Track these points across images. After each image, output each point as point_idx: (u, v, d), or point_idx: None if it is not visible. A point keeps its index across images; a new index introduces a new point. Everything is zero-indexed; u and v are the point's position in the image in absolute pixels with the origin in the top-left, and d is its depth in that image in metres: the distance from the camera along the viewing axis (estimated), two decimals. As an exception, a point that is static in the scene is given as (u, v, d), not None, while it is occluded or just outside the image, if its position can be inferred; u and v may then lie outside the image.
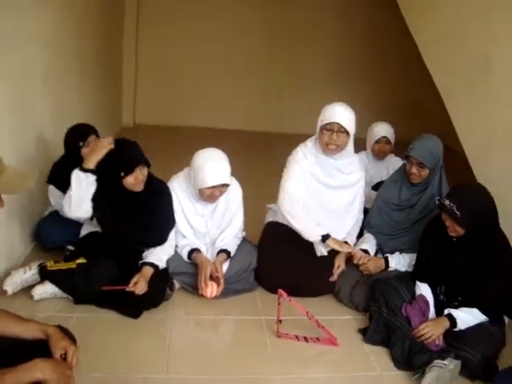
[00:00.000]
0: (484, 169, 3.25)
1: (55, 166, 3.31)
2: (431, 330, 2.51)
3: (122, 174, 2.69)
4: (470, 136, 3.45)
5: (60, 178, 3.22)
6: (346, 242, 3.05)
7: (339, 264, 3.04)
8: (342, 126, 2.86)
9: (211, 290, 2.83)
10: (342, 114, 2.88)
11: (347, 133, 2.89)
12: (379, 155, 3.92)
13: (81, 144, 3.06)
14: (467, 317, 2.52)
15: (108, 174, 2.75)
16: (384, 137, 3.85)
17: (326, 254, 3.06)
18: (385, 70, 7.40)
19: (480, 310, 2.52)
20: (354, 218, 3.16)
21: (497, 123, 3.21)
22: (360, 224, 3.21)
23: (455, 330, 2.52)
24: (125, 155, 2.75)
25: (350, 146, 3.01)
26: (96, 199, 2.76)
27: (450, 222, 2.48)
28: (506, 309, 2.63)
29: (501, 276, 2.50)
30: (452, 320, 2.51)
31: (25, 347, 1.70)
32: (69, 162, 3.18)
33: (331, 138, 2.89)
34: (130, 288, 2.68)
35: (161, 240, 2.91)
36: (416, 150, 2.84)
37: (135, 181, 2.73)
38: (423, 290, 2.69)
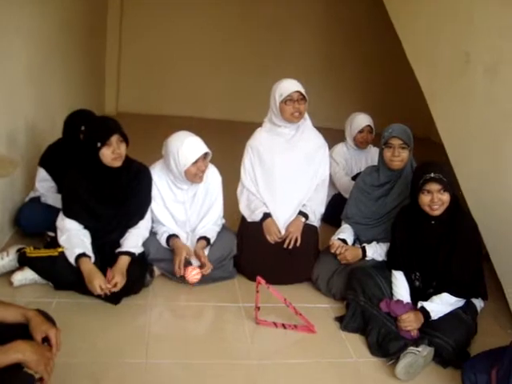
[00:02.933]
0: (463, 165, 3.32)
1: (50, 150, 3.31)
2: (411, 322, 2.55)
3: (99, 145, 2.65)
4: (450, 133, 3.53)
5: (53, 162, 3.24)
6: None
7: (290, 231, 3.12)
8: (301, 94, 3.05)
9: (191, 274, 2.84)
10: (296, 84, 3.09)
11: (305, 100, 3.08)
12: (362, 144, 4.00)
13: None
14: (439, 306, 2.57)
15: (85, 151, 2.73)
16: (368, 125, 3.92)
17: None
18: (367, 65, 7.47)
19: (448, 291, 2.56)
20: (314, 184, 3.24)
21: (475, 121, 3.28)
22: (325, 197, 3.30)
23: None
24: (100, 124, 2.77)
25: (307, 116, 3.21)
26: (74, 186, 2.76)
27: (437, 195, 2.50)
28: (476, 289, 2.70)
29: (468, 256, 2.57)
30: (425, 312, 2.56)
31: (5, 330, 1.70)
32: (65, 147, 3.20)
33: (294, 107, 3.06)
34: (109, 290, 2.62)
35: (140, 218, 2.91)
36: (397, 131, 2.91)
37: (113, 154, 2.68)
38: (398, 277, 2.74)
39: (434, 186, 2.49)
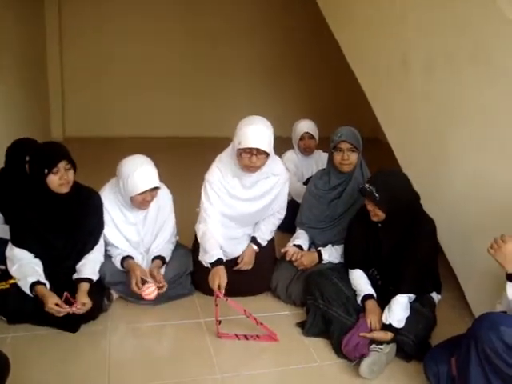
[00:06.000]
0: (410, 163, 3.41)
1: None
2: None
3: (46, 171, 2.60)
4: (394, 132, 3.63)
5: None
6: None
7: (245, 261, 3.08)
8: (260, 149, 2.77)
9: (148, 291, 2.81)
10: (260, 138, 2.74)
11: (267, 154, 2.83)
12: (306, 151, 4.05)
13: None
14: (401, 313, 2.53)
15: (32, 179, 2.68)
16: (306, 132, 3.98)
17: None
18: (311, 71, 7.58)
19: (402, 292, 2.56)
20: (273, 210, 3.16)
21: (417, 119, 3.38)
22: (280, 219, 3.22)
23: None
24: (46, 151, 2.72)
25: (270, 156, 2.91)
26: (21, 215, 2.70)
27: (371, 205, 2.59)
28: (429, 286, 2.77)
29: (424, 261, 2.62)
30: (394, 329, 2.51)
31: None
32: (10, 177, 3.12)
33: (251, 161, 2.79)
34: (78, 308, 2.59)
35: (95, 243, 2.86)
36: (346, 135, 2.94)
37: (60, 180, 2.64)
38: (357, 274, 2.77)
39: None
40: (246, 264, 3.09)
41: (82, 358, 2.48)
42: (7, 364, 1.79)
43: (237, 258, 3.12)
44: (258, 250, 3.15)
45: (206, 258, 2.88)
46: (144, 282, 2.84)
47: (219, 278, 2.73)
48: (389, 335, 2.50)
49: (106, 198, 2.93)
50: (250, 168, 2.85)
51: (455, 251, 3.13)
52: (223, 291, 2.70)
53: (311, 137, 4.03)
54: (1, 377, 1.75)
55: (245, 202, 3.04)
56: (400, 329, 2.51)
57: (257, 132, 2.75)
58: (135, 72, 7.27)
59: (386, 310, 2.56)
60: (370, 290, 2.70)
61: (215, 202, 3.00)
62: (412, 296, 2.61)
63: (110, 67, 7.18)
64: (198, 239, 3.03)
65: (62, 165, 2.64)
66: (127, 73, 7.24)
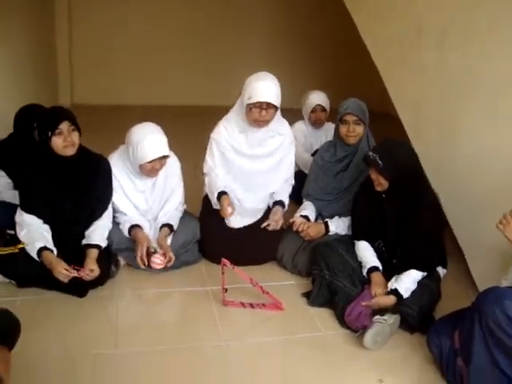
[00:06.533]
0: (420, 136, 3.37)
1: (2, 145, 3.23)
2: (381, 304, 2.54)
3: (49, 134, 2.60)
4: (405, 105, 3.58)
5: (6, 158, 3.16)
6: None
7: (275, 219, 3.07)
8: (270, 103, 2.86)
9: (156, 262, 2.85)
10: (269, 92, 2.85)
11: (276, 107, 2.91)
12: (316, 123, 4.01)
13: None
14: (410, 284, 2.56)
15: (38, 144, 2.68)
16: (319, 105, 3.93)
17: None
18: (319, 40, 7.48)
19: (416, 268, 2.59)
20: (282, 178, 3.20)
21: (428, 89, 3.34)
22: (291, 185, 3.26)
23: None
24: (49, 113, 2.72)
25: (278, 114, 3.02)
26: (30, 180, 2.71)
27: (374, 174, 2.59)
28: (437, 262, 2.77)
29: (428, 228, 2.61)
30: (398, 294, 2.54)
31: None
32: (18, 143, 3.12)
33: (261, 115, 2.88)
34: (86, 274, 2.61)
35: (104, 209, 2.88)
36: (351, 108, 2.93)
37: (64, 142, 2.62)
38: (364, 246, 2.78)
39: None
40: (275, 222, 3.07)
41: (90, 322, 2.52)
42: (18, 326, 1.81)
43: (244, 227, 3.16)
44: (284, 211, 3.16)
45: (214, 198, 3.03)
46: (150, 253, 2.87)
47: (227, 204, 2.95)
48: (392, 299, 2.52)
49: (114, 165, 2.93)
50: (259, 122, 2.92)
51: (462, 226, 3.13)
52: (236, 213, 2.91)
53: (323, 109, 3.98)
54: (12, 338, 1.78)
55: (250, 159, 3.08)
56: (404, 299, 2.53)
57: (266, 86, 2.85)
58: (145, 40, 7.19)
59: (394, 278, 2.58)
60: (376, 263, 2.71)
61: (218, 160, 3.08)
62: (424, 274, 2.62)
63: (119, 33, 7.10)
64: (207, 192, 3.14)
65: (65, 126, 2.62)
66: (137, 39, 7.16)
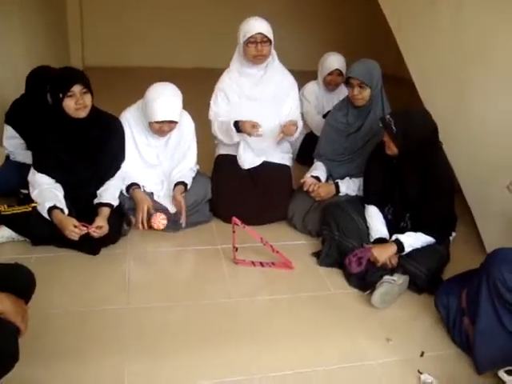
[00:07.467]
0: (432, 100, 3.34)
1: (15, 106, 3.25)
2: (379, 255, 2.57)
3: (61, 96, 2.61)
4: (418, 68, 3.54)
5: (19, 119, 3.18)
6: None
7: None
8: (264, 36, 3.01)
9: (157, 221, 2.89)
10: (261, 25, 3.03)
11: (270, 42, 3.05)
12: (331, 86, 3.96)
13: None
14: (413, 240, 2.60)
15: (51, 105, 2.69)
16: (337, 69, 3.88)
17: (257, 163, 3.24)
18: (336, 3, 7.34)
19: (424, 232, 2.61)
20: (288, 107, 3.24)
21: (443, 55, 3.29)
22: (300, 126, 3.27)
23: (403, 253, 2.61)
24: (61, 75, 2.71)
25: (274, 55, 3.17)
26: (43, 140, 2.73)
27: (387, 137, 2.58)
28: (448, 227, 2.77)
29: (439, 198, 2.60)
30: (399, 244, 2.58)
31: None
32: (30, 103, 3.13)
33: (257, 49, 3.03)
34: (93, 231, 2.65)
35: (116, 169, 2.91)
36: (355, 71, 2.90)
37: (76, 105, 2.63)
38: (373, 211, 2.78)
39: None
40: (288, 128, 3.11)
41: (102, 280, 2.57)
42: (33, 280, 1.85)
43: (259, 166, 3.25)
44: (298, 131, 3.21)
45: (232, 130, 3.10)
46: (150, 215, 2.90)
47: (249, 123, 3.03)
48: (393, 247, 2.56)
49: (131, 116, 2.95)
50: (257, 57, 3.07)
51: (473, 192, 3.13)
52: (261, 129, 3.00)
53: (340, 74, 3.92)
54: (28, 292, 1.82)
55: (254, 101, 3.15)
56: (412, 260, 2.56)
57: (258, 21, 3.06)
58: (156, 2, 7.09)
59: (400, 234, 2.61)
60: (383, 234, 2.70)
61: (222, 107, 3.20)
62: (432, 240, 2.63)
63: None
64: (217, 134, 3.24)
65: (78, 89, 2.62)
66: (148, 3, 7.07)
